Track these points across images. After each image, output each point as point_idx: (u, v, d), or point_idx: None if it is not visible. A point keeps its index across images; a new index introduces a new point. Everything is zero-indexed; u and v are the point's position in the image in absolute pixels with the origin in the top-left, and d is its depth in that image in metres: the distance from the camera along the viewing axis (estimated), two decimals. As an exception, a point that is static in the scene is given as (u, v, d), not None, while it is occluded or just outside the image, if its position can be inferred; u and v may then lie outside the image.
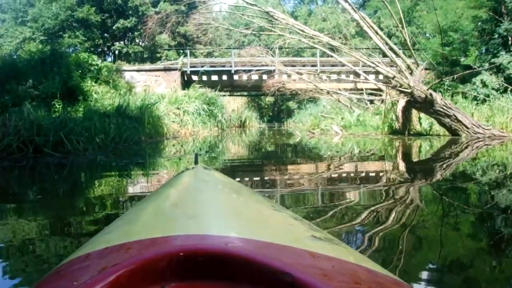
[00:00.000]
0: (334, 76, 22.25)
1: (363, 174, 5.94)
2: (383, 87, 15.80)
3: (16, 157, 7.66)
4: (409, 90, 11.72)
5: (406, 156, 8.38)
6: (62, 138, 8.14)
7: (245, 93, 34.79)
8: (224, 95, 24.80)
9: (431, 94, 11.60)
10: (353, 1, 56.70)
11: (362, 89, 20.26)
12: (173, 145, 12.54)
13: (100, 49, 45.21)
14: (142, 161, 7.46)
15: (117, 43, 44.50)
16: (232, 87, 27.42)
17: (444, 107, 11.67)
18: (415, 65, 12.60)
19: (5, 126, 8.13)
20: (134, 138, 11.24)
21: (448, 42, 28.19)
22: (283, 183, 5.01)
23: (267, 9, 13.29)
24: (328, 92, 19.45)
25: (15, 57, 22.26)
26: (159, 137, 13.65)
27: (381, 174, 5.86)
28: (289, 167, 6.83)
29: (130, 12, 42.65)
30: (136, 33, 42.26)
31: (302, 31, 13.57)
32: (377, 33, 12.15)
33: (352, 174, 5.85)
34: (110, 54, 47.20)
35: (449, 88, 18.67)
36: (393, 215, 3.16)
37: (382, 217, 3.11)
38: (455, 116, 11.66)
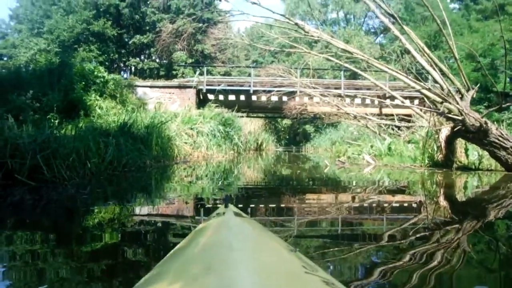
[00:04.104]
0: (358, 100, 20.85)
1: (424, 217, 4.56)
2: (419, 112, 14.27)
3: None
4: (460, 118, 10.00)
5: (466, 197, 6.70)
6: (39, 162, 6.46)
7: (262, 115, 33.49)
8: (242, 116, 23.38)
9: (486, 123, 9.88)
10: (376, 26, 55.91)
11: (388, 115, 18.72)
12: (184, 169, 10.99)
13: (115, 65, 44.52)
14: (131, 204, 5.46)
15: (132, 59, 43.61)
16: (250, 108, 26.12)
17: (500, 138, 9.93)
18: (465, 88, 10.89)
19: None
20: (137, 162, 9.54)
21: (477, 68, 26.79)
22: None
23: (295, 21, 11.70)
24: (355, 117, 17.87)
25: (29, 68, 21.15)
26: (167, 161, 11.95)
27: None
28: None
29: (147, 27, 41.91)
30: (152, 49, 41.31)
31: (332, 46, 12.10)
32: (423, 50, 10.47)
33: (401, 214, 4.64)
34: (126, 70, 46.51)
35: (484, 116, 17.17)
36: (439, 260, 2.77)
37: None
38: (513, 149, 9.94)
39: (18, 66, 21.86)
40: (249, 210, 5.10)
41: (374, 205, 5.76)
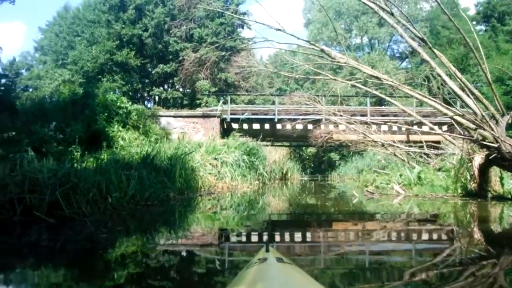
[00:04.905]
0: (384, 127, 20.42)
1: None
2: (450, 138, 13.82)
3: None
4: (495, 145, 9.56)
5: (503, 229, 6.35)
6: (58, 198, 6.19)
7: (287, 143, 33.12)
8: (266, 145, 23.05)
9: (523, 150, 9.41)
10: (401, 50, 55.50)
11: (416, 142, 18.21)
12: (209, 200, 10.71)
13: (139, 95, 44.81)
14: (154, 244, 4.93)
15: (156, 89, 43.83)
16: (274, 137, 25.83)
17: (539, 166, 9.47)
18: (499, 113, 10.43)
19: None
20: (161, 196, 9.22)
21: (507, 91, 26.21)
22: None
23: (321, 47, 11.44)
24: (382, 145, 17.44)
25: (54, 99, 21.28)
26: (191, 193, 11.57)
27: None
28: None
29: (170, 57, 42.13)
30: (175, 79, 41.46)
31: (357, 73, 11.80)
32: (455, 74, 10.09)
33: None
34: (150, 99, 46.78)
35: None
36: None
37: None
38: (552, 177, 9.45)
39: (42, 97, 21.94)
40: (275, 241, 5.06)
41: (408, 237, 5.57)
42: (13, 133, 11.87)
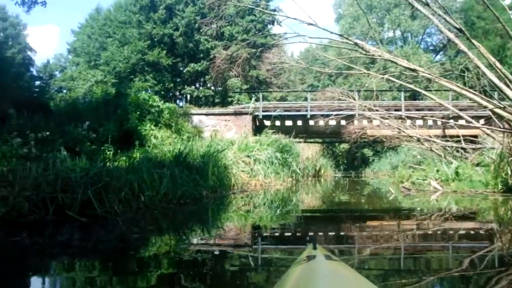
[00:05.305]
0: (419, 122, 20.01)
1: None
2: (490, 132, 13.43)
3: (30, 220, 5.76)
4: (539, 138, 9.23)
5: None
6: (90, 197, 6.13)
7: (320, 140, 32.83)
8: (299, 142, 22.84)
9: None
10: (435, 43, 54.52)
11: (453, 136, 17.73)
12: (242, 198, 10.59)
13: (171, 94, 45.02)
14: (188, 245, 4.70)
15: (187, 87, 43.94)
16: (307, 133, 25.51)
17: None
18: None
19: (25, 178, 6.31)
20: (193, 194, 9.10)
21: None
22: None
23: (355, 41, 11.21)
24: (418, 140, 17.06)
25: (87, 99, 21.52)
26: (224, 191, 11.43)
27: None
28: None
29: (201, 55, 42.17)
30: (207, 77, 41.52)
31: (390, 67, 11.51)
32: (495, 65, 9.75)
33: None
34: (182, 98, 46.95)
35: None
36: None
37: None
38: None
39: (75, 98, 22.13)
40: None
41: (446, 234, 5.43)
42: (47, 133, 11.90)
